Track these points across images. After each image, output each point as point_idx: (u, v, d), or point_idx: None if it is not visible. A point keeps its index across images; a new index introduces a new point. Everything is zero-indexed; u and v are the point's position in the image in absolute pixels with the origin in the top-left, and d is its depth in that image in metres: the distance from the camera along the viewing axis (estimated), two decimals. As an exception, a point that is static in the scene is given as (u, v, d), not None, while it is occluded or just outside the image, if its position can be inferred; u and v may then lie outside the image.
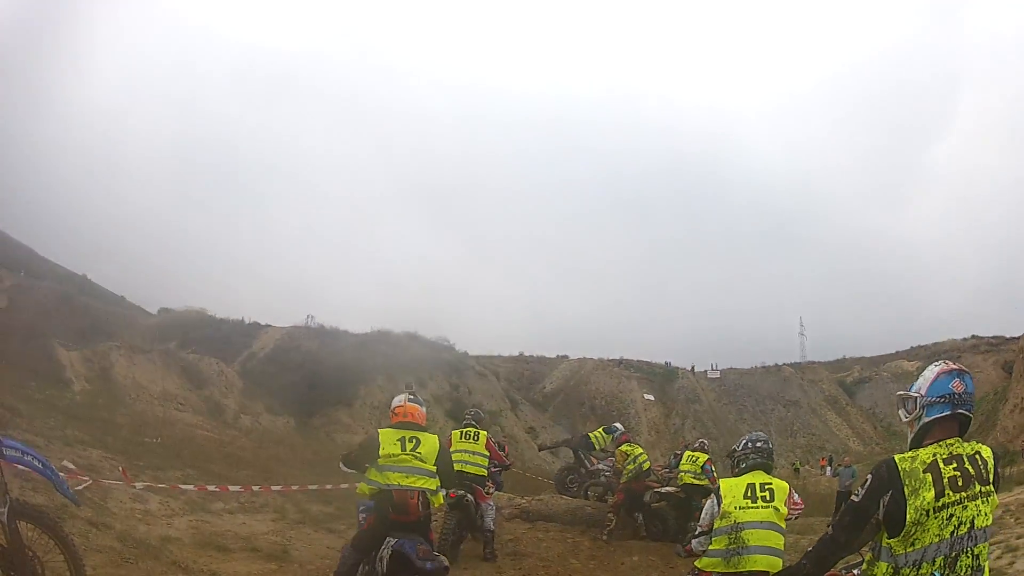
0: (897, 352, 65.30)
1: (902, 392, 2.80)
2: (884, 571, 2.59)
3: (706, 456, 10.91)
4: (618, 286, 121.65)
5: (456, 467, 6.84)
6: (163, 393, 28.83)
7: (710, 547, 4.48)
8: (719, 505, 4.50)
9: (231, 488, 11.13)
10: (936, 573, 2.47)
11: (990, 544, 2.70)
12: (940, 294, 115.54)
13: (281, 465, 17.98)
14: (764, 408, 59.61)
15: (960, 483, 2.51)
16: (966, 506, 2.49)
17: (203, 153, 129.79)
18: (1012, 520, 10.26)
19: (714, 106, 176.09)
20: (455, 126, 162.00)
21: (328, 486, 12.89)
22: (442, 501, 5.34)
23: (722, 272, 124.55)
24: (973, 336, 59.42)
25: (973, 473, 2.54)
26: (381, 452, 4.97)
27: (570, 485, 12.83)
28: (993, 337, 56.10)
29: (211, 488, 10.82)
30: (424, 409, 5.38)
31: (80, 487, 8.24)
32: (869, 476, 2.64)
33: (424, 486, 4.96)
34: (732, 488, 4.56)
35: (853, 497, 2.67)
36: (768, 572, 4.25)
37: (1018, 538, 8.99)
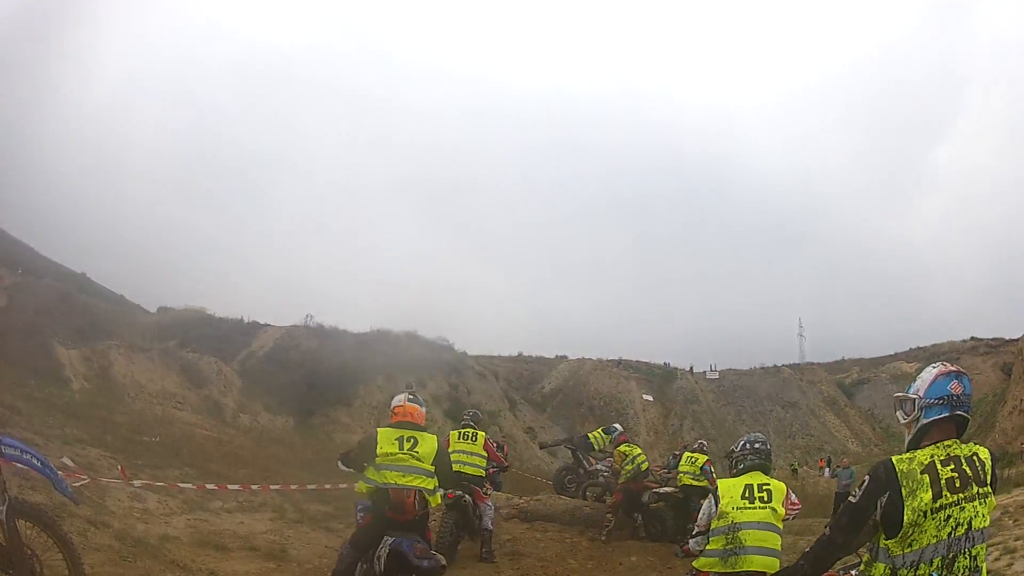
0: (896, 353, 65.28)
1: (900, 394, 2.80)
2: (882, 572, 2.59)
3: (705, 457, 10.92)
4: (617, 285, 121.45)
5: (454, 468, 6.83)
6: (162, 392, 28.81)
7: (707, 547, 4.49)
8: (717, 505, 4.52)
9: (230, 487, 11.12)
10: (934, 574, 2.47)
11: (988, 546, 2.71)
12: (940, 294, 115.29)
13: (280, 464, 17.95)
14: (763, 409, 59.55)
15: (958, 484, 2.51)
16: (964, 507, 2.50)
17: (203, 150, 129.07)
18: (1010, 522, 10.24)
19: (715, 104, 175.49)
20: (455, 123, 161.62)
21: (327, 485, 12.88)
22: (440, 501, 5.35)
23: (722, 271, 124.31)
24: (972, 338, 59.51)
25: (971, 474, 2.54)
26: (379, 451, 4.99)
27: (568, 485, 12.84)
28: (992, 339, 56.23)
29: (210, 487, 10.81)
30: (424, 409, 5.39)
31: (78, 485, 8.24)
32: (867, 477, 2.64)
33: (421, 485, 4.97)
34: (730, 488, 4.57)
35: (851, 498, 2.67)
36: (765, 572, 4.27)
37: (1016, 540, 8.98)
